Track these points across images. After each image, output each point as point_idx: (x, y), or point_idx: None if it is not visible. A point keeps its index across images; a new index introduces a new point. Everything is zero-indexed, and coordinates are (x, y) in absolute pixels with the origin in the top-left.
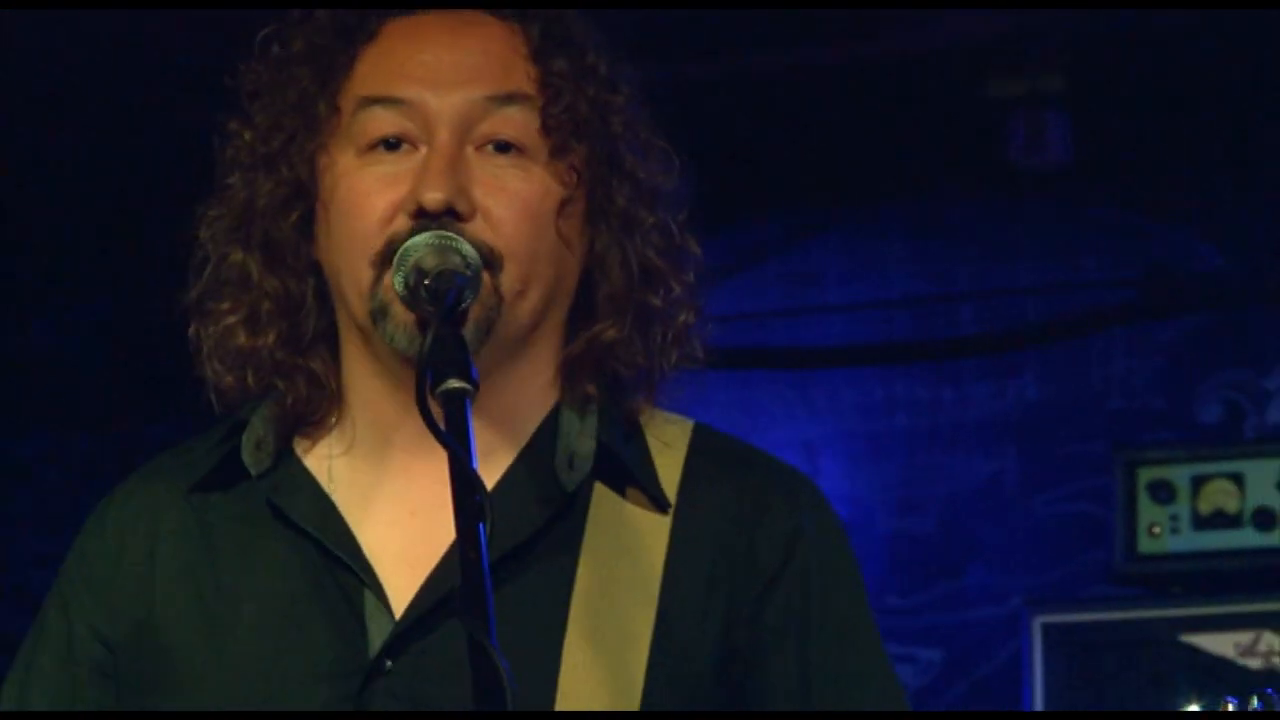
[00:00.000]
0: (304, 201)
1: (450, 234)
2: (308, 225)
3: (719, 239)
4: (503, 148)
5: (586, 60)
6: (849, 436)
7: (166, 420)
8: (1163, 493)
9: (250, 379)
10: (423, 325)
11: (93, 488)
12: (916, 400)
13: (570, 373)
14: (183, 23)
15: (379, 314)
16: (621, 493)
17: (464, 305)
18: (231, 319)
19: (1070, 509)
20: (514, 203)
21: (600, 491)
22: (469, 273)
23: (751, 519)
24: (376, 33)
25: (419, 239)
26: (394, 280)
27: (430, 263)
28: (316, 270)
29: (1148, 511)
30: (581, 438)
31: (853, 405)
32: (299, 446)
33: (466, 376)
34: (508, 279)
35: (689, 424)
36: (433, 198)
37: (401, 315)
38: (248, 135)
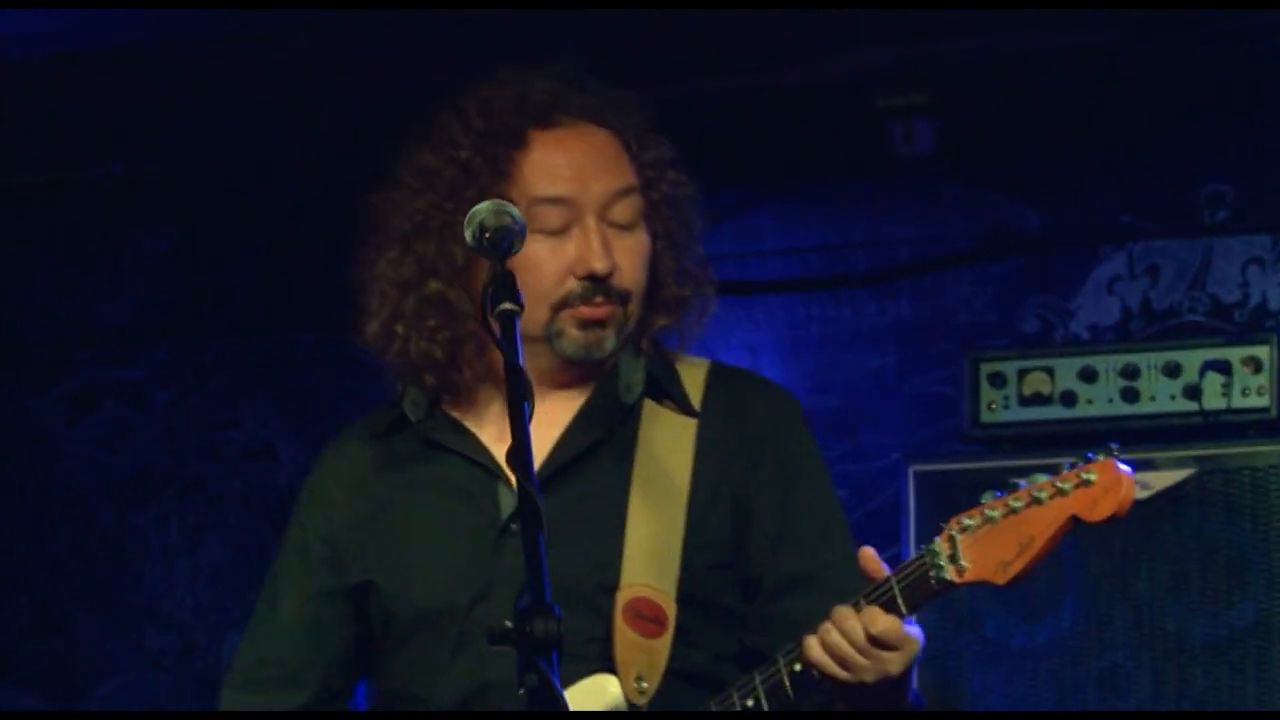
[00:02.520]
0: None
1: (505, 202)
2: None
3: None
4: (622, 227)
5: (662, 152)
6: (780, 341)
7: (314, 332)
8: (997, 380)
9: (439, 375)
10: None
11: (257, 381)
12: (826, 317)
13: (633, 338)
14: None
15: (555, 336)
16: (661, 406)
17: (513, 251)
18: (435, 327)
19: (933, 391)
20: (635, 262)
21: (648, 406)
22: (516, 228)
23: (746, 412)
24: (526, 140)
25: (482, 205)
26: (464, 234)
27: (491, 222)
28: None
29: (986, 393)
30: (635, 373)
31: (783, 320)
32: (445, 405)
33: (515, 300)
34: (632, 308)
35: (707, 361)
36: (602, 266)
37: (575, 335)
38: (440, 208)
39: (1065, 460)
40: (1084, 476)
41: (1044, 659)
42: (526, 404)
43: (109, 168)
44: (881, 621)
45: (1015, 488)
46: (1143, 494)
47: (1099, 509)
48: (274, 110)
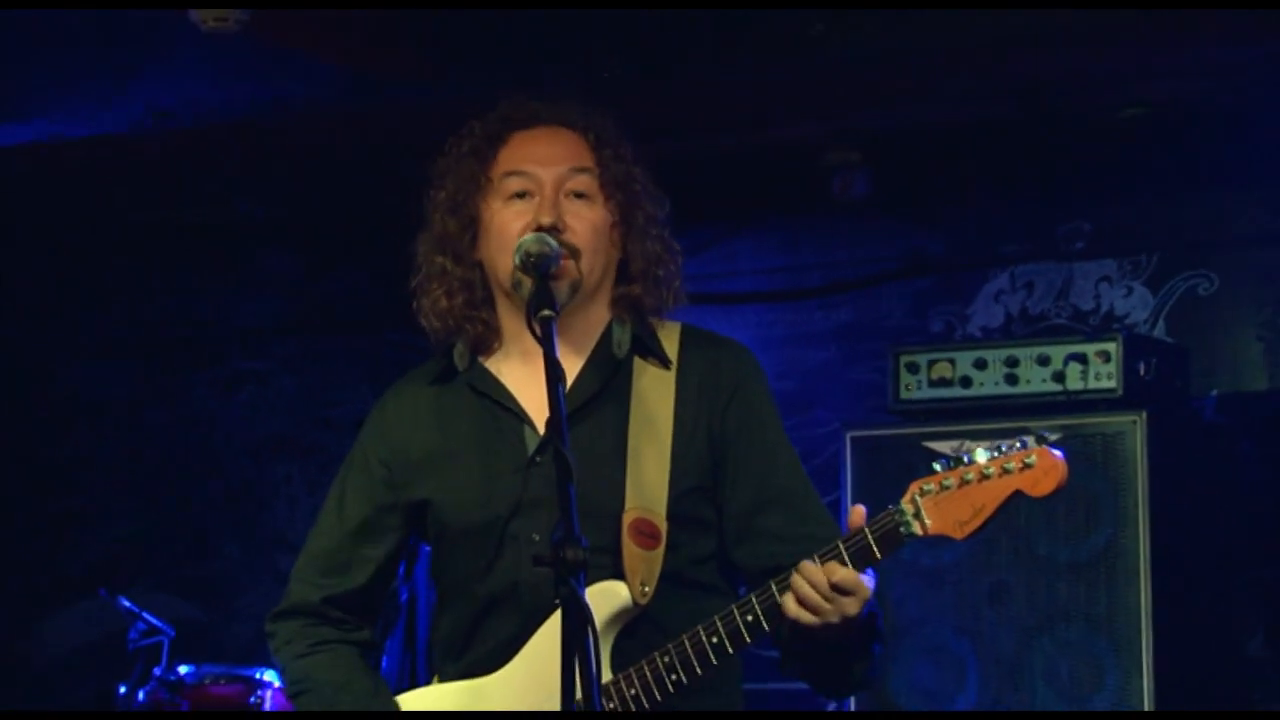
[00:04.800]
0: (474, 228)
1: (545, 234)
2: (475, 240)
3: (686, 236)
4: (579, 195)
5: (620, 149)
6: (751, 340)
7: (399, 331)
8: (913, 368)
9: (450, 324)
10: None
11: (357, 369)
12: (787, 320)
13: (616, 309)
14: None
15: (518, 284)
16: (646, 362)
17: (552, 271)
18: (439, 293)
19: (867, 377)
20: (585, 223)
21: (636, 363)
22: (553, 254)
23: (716, 367)
24: (507, 139)
25: (528, 237)
26: (514, 258)
27: (534, 249)
28: (480, 265)
29: (905, 378)
30: (623, 336)
31: (754, 323)
32: (481, 358)
33: (552, 309)
34: (584, 264)
35: (679, 324)
36: (546, 220)
37: (527, 283)
38: (442, 195)
39: (1002, 442)
40: (1026, 460)
41: (947, 575)
42: (561, 386)
43: (247, 207)
44: (839, 572)
45: (962, 461)
46: None
47: (1040, 486)
48: (369, 162)
